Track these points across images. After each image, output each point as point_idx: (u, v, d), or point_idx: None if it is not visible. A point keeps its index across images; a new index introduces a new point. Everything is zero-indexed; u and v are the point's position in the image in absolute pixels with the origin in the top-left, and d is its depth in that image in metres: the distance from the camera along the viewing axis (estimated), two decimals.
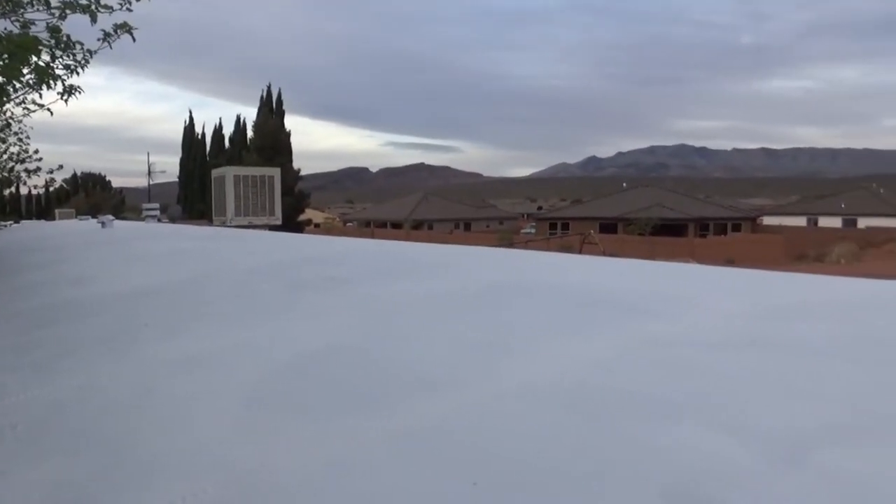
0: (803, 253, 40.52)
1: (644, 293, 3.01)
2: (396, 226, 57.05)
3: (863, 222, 58.14)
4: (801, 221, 63.58)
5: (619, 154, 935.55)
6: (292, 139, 47.02)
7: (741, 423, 1.45)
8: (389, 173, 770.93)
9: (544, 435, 1.48)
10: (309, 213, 53.35)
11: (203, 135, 60.83)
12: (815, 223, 62.92)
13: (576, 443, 1.42)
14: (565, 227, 52.60)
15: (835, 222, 60.30)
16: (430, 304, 2.96)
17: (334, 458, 1.44)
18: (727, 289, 3.09)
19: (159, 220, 18.35)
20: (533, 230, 57.88)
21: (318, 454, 1.46)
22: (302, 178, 47.70)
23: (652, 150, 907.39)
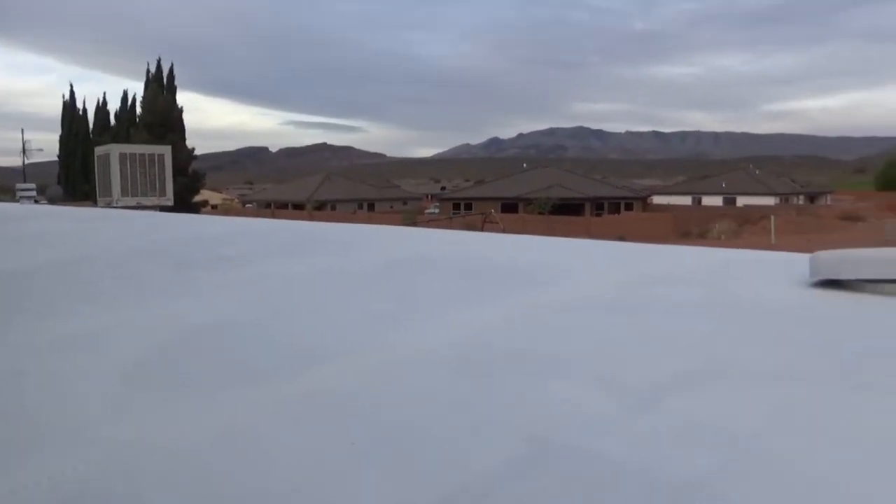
0: (689, 230, 43.20)
1: (536, 265, 3.15)
2: (298, 207, 55.86)
3: (741, 201, 62.59)
4: (686, 200, 67.62)
5: (521, 135, 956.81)
6: (185, 117, 44.88)
7: (605, 376, 1.57)
8: (290, 153, 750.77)
9: (428, 396, 1.55)
10: (205, 195, 51.21)
11: (85, 110, 56.87)
12: (700, 202, 67.10)
13: (456, 401, 1.50)
14: (468, 206, 53.34)
15: (716, 201, 64.58)
16: (328, 280, 2.96)
17: (220, 429, 1.44)
18: (610, 260, 3.29)
19: (36, 202, 17.01)
20: (437, 210, 58.32)
21: (202, 425, 1.46)
22: (197, 157, 45.68)
23: (552, 132, 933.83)
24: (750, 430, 1.27)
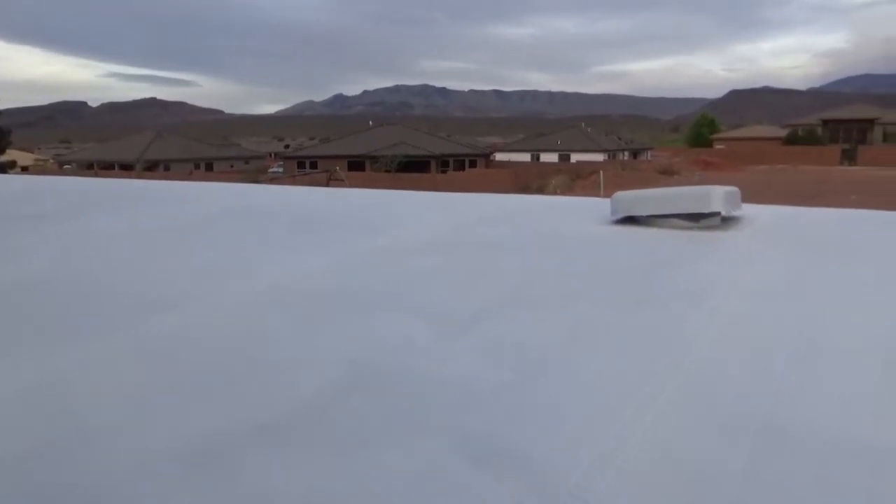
0: (528, 185, 45.35)
1: (368, 215, 3.24)
2: (126, 168, 51.38)
3: (574, 157, 66.53)
4: (526, 157, 70.67)
5: (366, 92, 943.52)
6: None
7: (426, 308, 1.71)
8: (114, 109, 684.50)
9: (256, 335, 1.59)
10: (13, 155, 45.53)
11: None
12: (538, 158, 70.44)
13: (282, 338, 1.56)
14: (314, 165, 52.05)
15: (553, 157, 68.15)
16: (156, 233, 2.86)
17: (42, 381, 1.39)
18: (441, 208, 3.46)
19: None
20: (281, 169, 56.35)
21: (21, 381, 1.40)
22: (0, 112, 40.33)
23: (397, 90, 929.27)
24: (546, 344, 1.46)
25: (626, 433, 1.04)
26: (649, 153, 78.49)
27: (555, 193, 42.61)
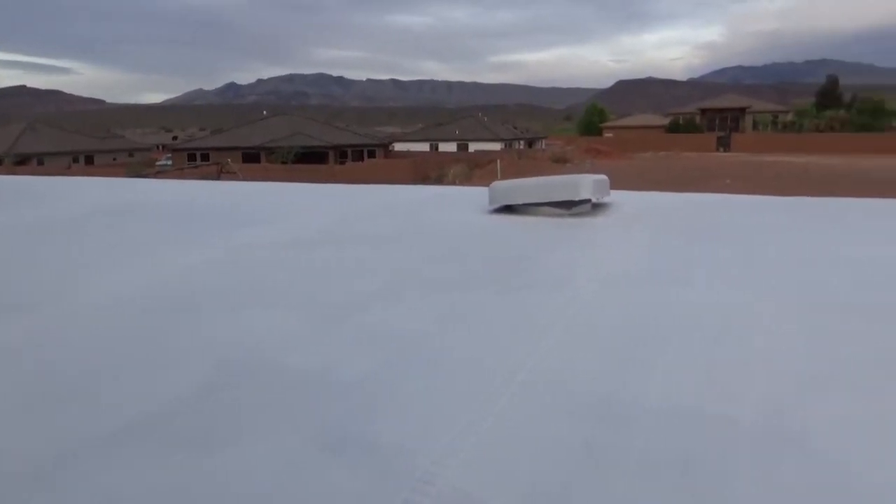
0: (427, 175, 45.59)
1: (255, 208, 3.18)
2: None
3: (472, 146, 67.52)
4: (425, 147, 70.98)
5: (260, 81, 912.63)
6: None
7: (302, 301, 1.72)
8: None
9: (119, 337, 1.54)
10: None
11: None
12: (437, 148, 70.94)
13: (148, 338, 1.52)
14: (205, 157, 49.89)
15: (451, 147, 68.85)
16: (22, 233, 2.68)
17: None
18: (327, 201, 3.44)
19: None
20: (169, 162, 53.62)
21: None
22: None
23: (292, 79, 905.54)
24: (413, 334, 1.50)
25: (479, 418, 1.10)
26: (543, 142, 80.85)
27: (454, 183, 43.05)
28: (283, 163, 42.86)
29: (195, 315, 1.65)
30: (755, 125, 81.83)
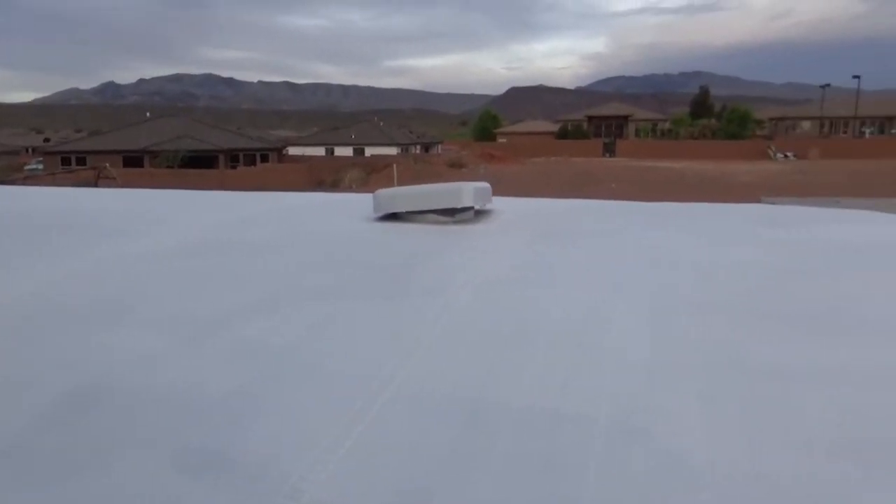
0: (322, 179, 44.96)
1: (131, 216, 3.02)
2: None
3: (369, 151, 67.24)
4: (320, 151, 70.00)
5: (142, 81, 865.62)
6: None
7: (170, 316, 1.65)
8: None
9: None
10: None
11: None
12: (332, 152, 70.14)
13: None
14: (82, 161, 46.68)
15: (347, 151, 68.27)
16: None
17: None
18: (206, 208, 3.32)
19: None
20: (40, 166, 49.74)
21: None
22: None
23: (178, 79, 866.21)
24: (290, 343, 1.49)
25: (348, 429, 1.10)
26: (439, 147, 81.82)
27: (350, 188, 42.64)
28: (169, 167, 40.89)
29: (49, 334, 1.55)
30: (637, 132, 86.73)
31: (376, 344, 1.46)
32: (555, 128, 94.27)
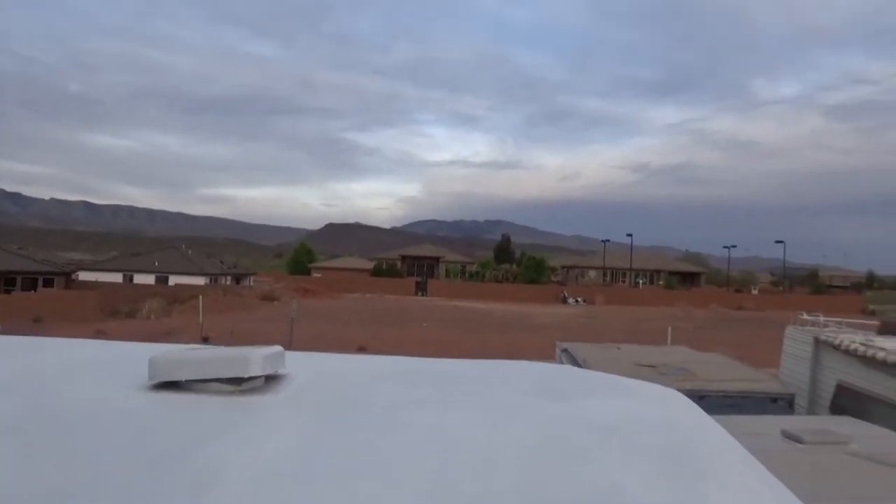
0: (117, 309, 41.13)
1: None
2: None
3: (173, 279, 63.45)
4: (118, 277, 64.73)
5: None
6: None
7: None
8: None
9: None
10: None
11: None
12: (132, 279, 65.16)
13: None
14: None
15: (149, 279, 63.82)
16: None
17: None
18: None
19: None
20: None
21: None
22: None
23: None
24: None
25: None
26: (252, 278, 79.52)
27: (149, 319, 39.27)
28: None
29: None
30: (447, 273, 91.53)
31: None
32: (370, 265, 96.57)
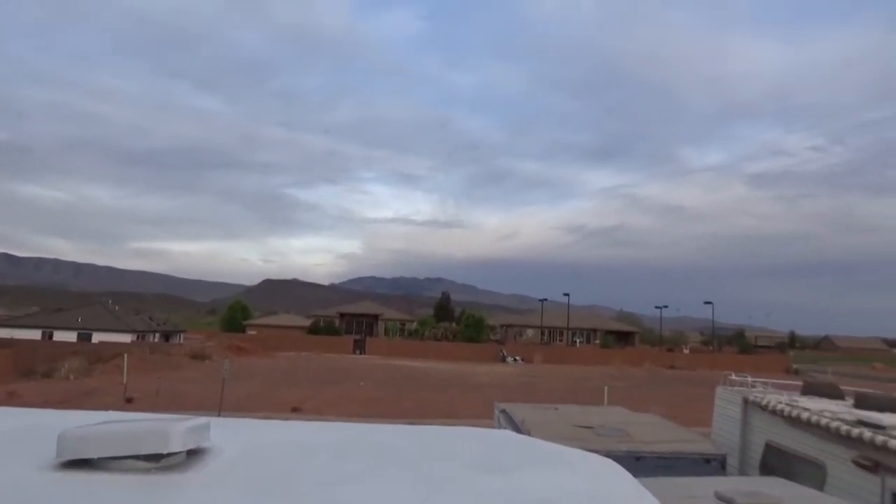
0: (33, 368, 38.67)
1: None
2: None
3: (97, 337, 60.41)
4: (36, 334, 61.26)
5: None
6: None
7: None
8: None
9: None
10: None
11: None
12: (51, 336, 61.76)
13: None
14: None
15: (71, 336, 60.54)
16: None
17: None
18: None
19: None
20: None
21: None
22: None
23: None
24: None
25: None
26: (182, 336, 76.52)
27: (68, 379, 36.96)
28: None
29: None
30: (386, 331, 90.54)
31: None
32: (307, 322, 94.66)
